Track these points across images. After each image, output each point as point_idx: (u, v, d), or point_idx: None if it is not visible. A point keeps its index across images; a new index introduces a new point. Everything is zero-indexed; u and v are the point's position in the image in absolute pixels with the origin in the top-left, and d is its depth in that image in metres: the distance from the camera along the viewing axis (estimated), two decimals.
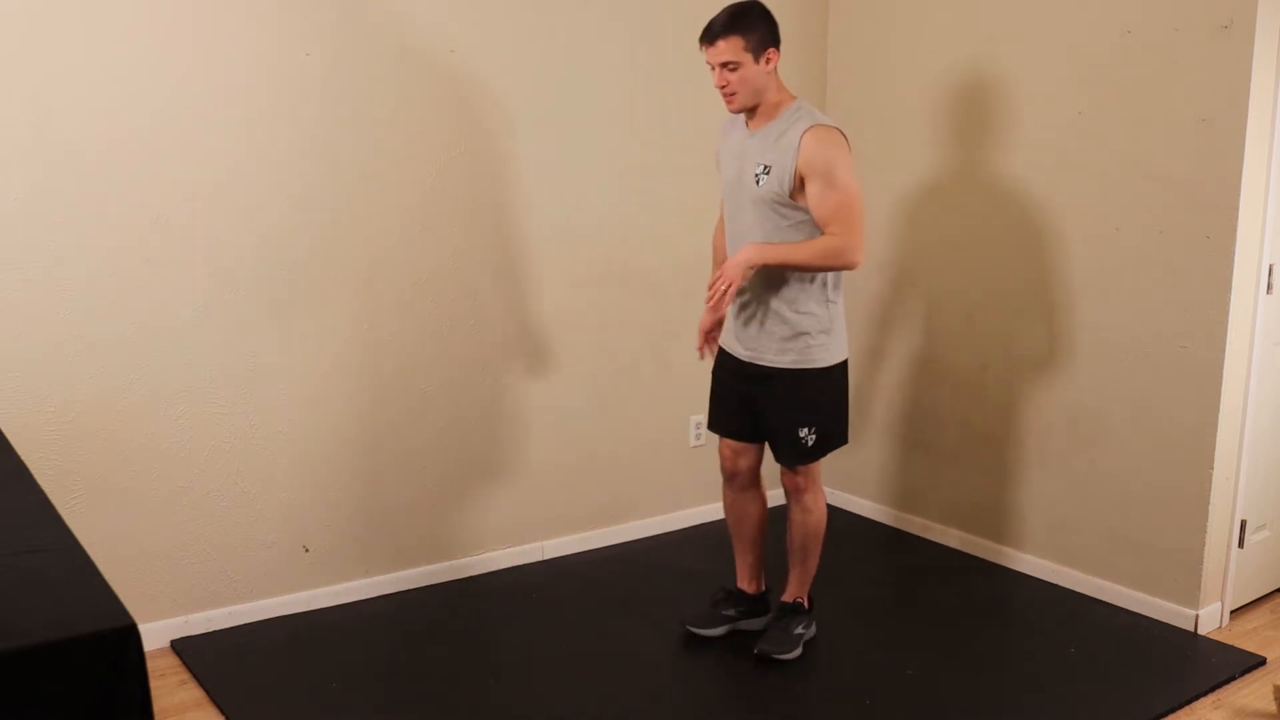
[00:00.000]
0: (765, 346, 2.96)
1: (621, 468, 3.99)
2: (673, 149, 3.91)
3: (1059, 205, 3.49)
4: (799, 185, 2.83)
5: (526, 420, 3.75)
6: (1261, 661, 3.12)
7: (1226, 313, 3.12)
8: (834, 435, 3.05)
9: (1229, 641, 3.25)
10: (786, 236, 2.87)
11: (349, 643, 3.20)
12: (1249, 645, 3.22)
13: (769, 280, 2.91)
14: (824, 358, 2.96)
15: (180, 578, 3.20)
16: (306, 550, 3.39)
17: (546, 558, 3.83)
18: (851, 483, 4.35)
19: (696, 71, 3.92)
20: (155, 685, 2.85)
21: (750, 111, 2.92)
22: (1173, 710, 2.86)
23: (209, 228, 3.09)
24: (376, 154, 3.32)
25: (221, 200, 3.10)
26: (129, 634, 1.42)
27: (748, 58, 2.80)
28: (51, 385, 2.93)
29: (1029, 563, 3.72)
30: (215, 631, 3.24)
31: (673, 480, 4.14)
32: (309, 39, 3.16)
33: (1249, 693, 2.96)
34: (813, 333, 2.93)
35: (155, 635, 3.14)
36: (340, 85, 3.23)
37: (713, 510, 4.22)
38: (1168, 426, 3.29)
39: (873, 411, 4.23)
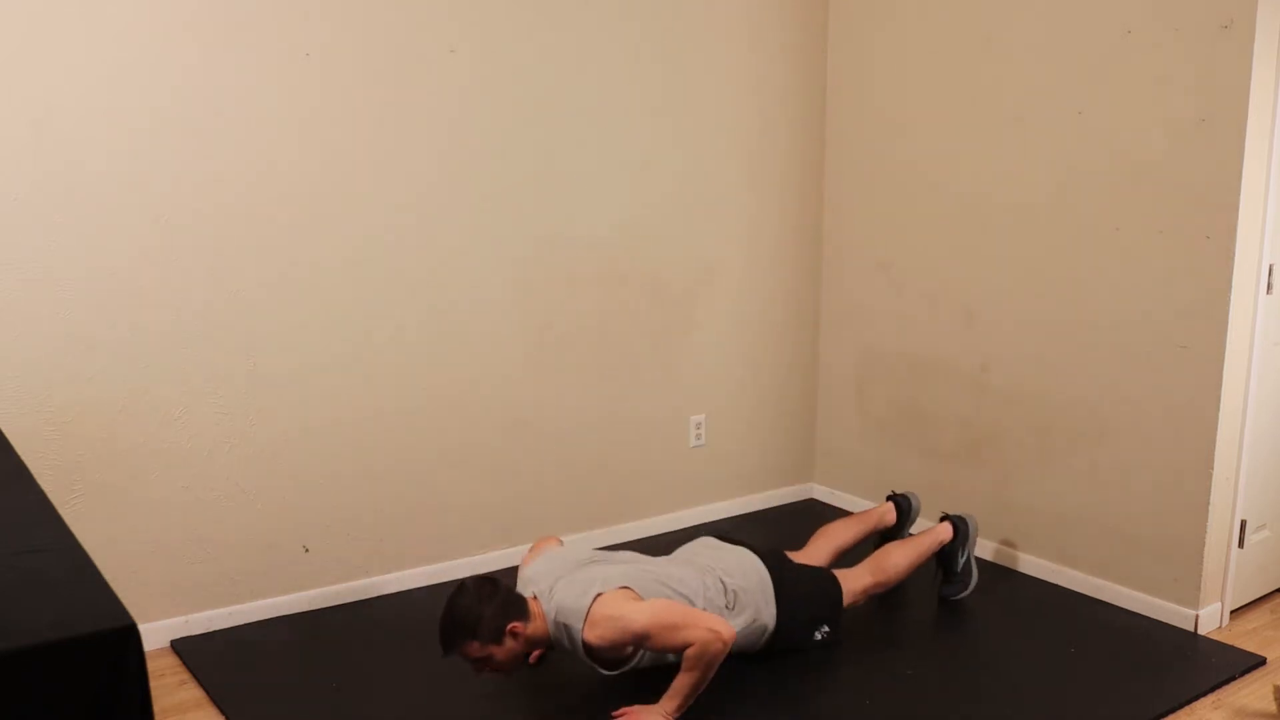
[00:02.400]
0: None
1: (621, 468, 3.99)
2: (673, 148, 3.92)
3: (1059, 205, 3.49)
4: (632, 648, 2.77)
5: (527, 420, 3.75)
6: (1261, 661, 3.12)
7: (1226, 313, 3.12)
8: (829, 608, 3.14)
9: (1229, 641, 3.25)
10: None
11: (349, 643, 3.20)
12: (1249, 645, 3.22)
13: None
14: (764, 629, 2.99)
15: (180, 578, 3.20)
16: (306, 550, 3.40)
17: None
18: (851, 482, 4.35)
19: (696, 71, 3.93)
20: (155, 685, 2.85)
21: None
22: (1173, 710, 2.86)
23: (209, 228, 3.09)
24: (376, 154, 3.33)
25: (221, 200, 3.10)
26: (129, 634, 1.42)
27: (491, 647, 2.66)
28: (51, 385, 2.93)
29: (1029, 562, 3.72)
30: (215, 631, 3.24)
31: (673, 480, 4.14)
32: (309, 39, 3.16)
33: (1249, 693, 2.96)
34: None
35: (155, 635, 3.14)
36: (340, 85, 3.23)
37: (713, 510, 4.23)
38: (1168, 426, 3.29)
39: (873, 411, 4.23)
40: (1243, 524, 3.37)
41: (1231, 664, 3.10)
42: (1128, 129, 3.29)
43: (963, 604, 3.50)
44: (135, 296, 3.02)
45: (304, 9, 3.14)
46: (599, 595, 2.71)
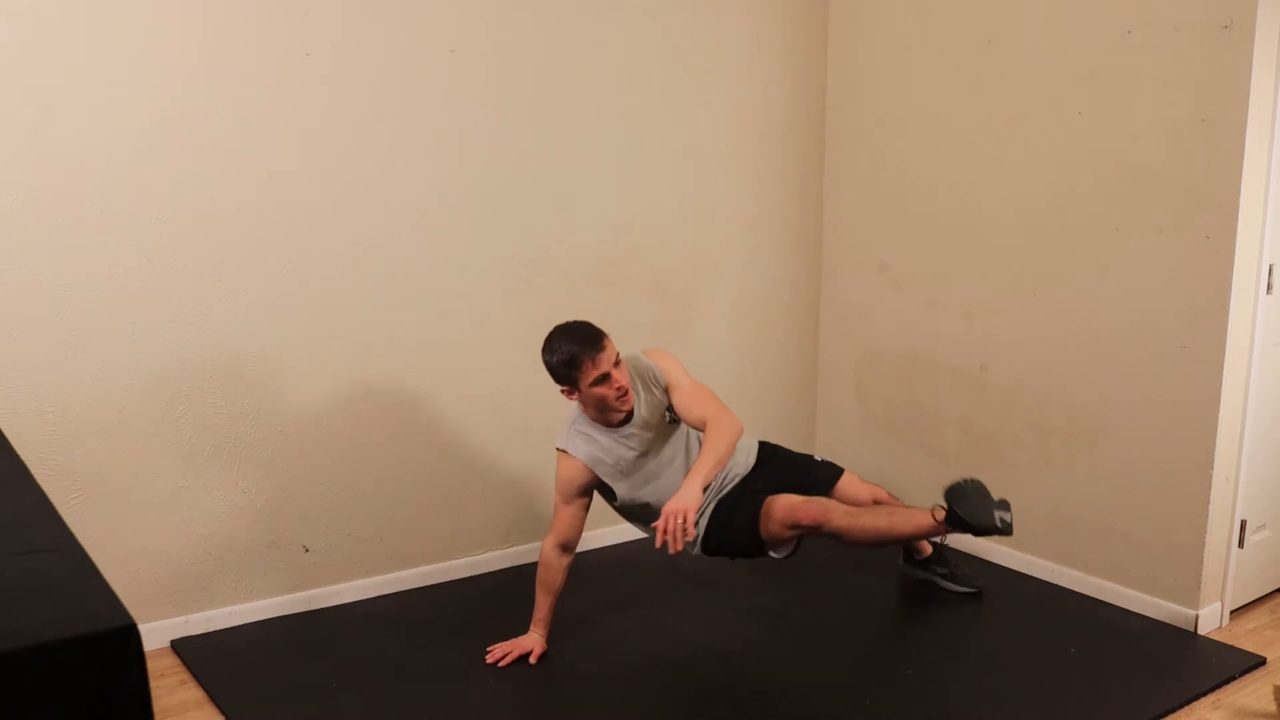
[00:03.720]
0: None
1: None
2: (673, 148, 3.92)
3: (1059, 205, 3.49)
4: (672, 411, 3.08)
5: (527, 419, 3.75)
6: (1261, 661, 3.12)
7: (1226, 313, 3.12)
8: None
9: (1229, 641, 3.25)
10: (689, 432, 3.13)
11: (349, 643, 3.21)
12: (1249, 645, 3.22)
13: (666, 456, 3.08)
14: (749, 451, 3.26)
15: (180, 578, 3.20)
16: (306, 550, 3.40)
17: None
18: None
19: (697, 71, 3.93)
20: (155, 685, 2.86)
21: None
22: (1173, 710, 2.86)
23: (209, 228, 3.09)
24: (378, 155, 3.33)
25: (222, 201, 3.10)
26: (129, 634, 1.42)
27: (618, 354, 2.94)
28: (51, 385, 2.93)
29: (1029, 562, 3.72)
30: (215, 631, 3.24)
31: None
32: (309, 39, 3.16)
33: (1249, 693, 2.96)
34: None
35: (155, 635, 3.15)
36: (340, 86, 3.23)
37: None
38: (1168, 426, 3.29)
39: (873, 411, 4.23)
40: (1243, 524, 3.37)
41: (1231, 664, 3.10)
42: (1128, 129, 3.29)
43: (963, 603, 3.50)
44: (135, 297, 3.02)
45: (304, 9, 3.14)
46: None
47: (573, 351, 2.88)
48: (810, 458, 3.39)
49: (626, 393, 2.93)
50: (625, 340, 3.91)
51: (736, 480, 3.15)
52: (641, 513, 3.12)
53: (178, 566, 3.19)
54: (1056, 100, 3.46)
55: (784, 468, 3.25)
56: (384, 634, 3.27)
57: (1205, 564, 3.27)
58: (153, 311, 3.05)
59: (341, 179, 3.28)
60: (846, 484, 3.31)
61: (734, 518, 3.06)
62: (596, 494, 3.13)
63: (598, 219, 3.79)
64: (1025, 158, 3.57)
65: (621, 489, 3.06)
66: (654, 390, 3.05)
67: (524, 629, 3.13)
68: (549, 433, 3.79)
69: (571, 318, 3.77)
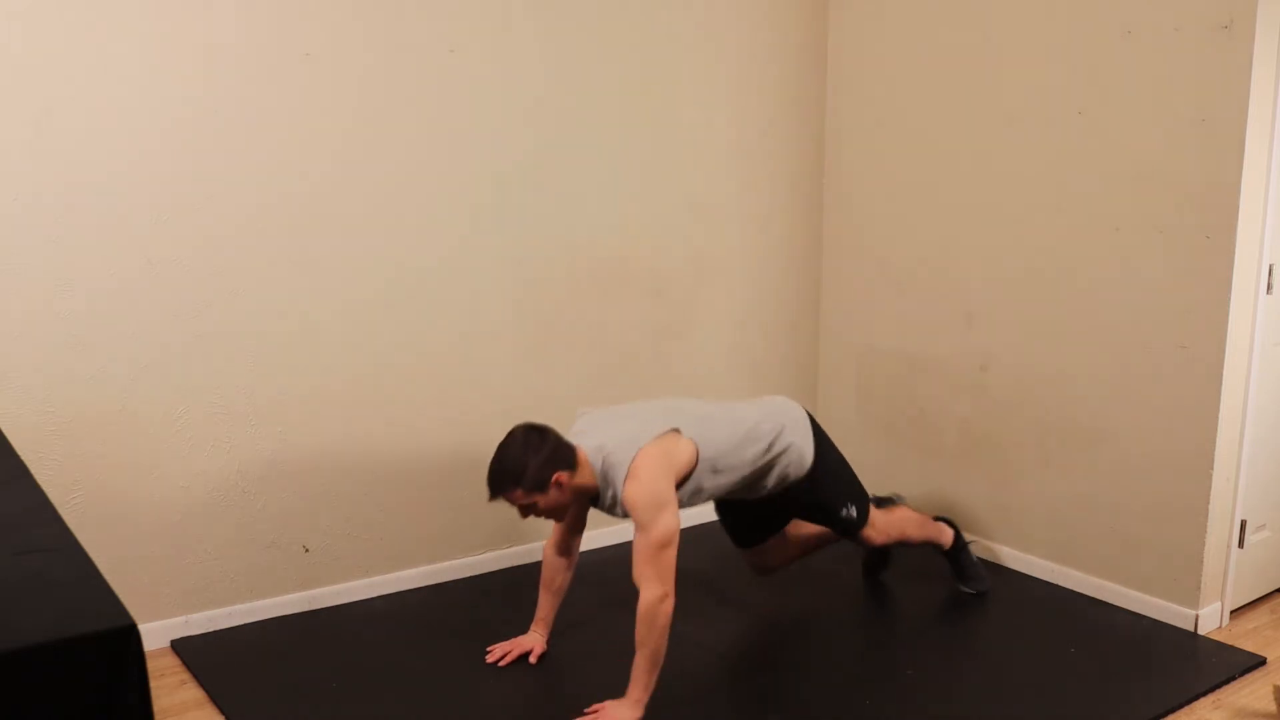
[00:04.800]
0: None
1: None
2: (673, 147, 3.92)
3: (1059, 205, 3.49)
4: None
5: (527, 419, 3.74)
6: (1261, 661, 3.12)
7: (1226, 313, 3.12)
8: (860, 497, 3.27)
9: (1229, 641, 3.25)
10: None
11: (349, 643, 3.21)
12: (1249, 645, 3.22)
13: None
14: (800, 468, 3.09)
15: (180, 578, 3.20)
16: (306, 550, 3.40)
17: None
18: None
19: (697, 70, 3.93)
20: (155, 685, 2.86)
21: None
22: (1173, 710, 2.86)
23: (210, 228, 3.09)
24: (377, 155, 3.33)
25: (223, 201, 3.10)
26: (129, 634, 1.42)
27: (535, 495, 2.76)
28: (52, 386, 2.93)
29: (1029, 563, 3.72)
30: (215, 631, 3.24)
31: None
32: (309, 39, 3.16)
33: (1249, 693, 2.96)
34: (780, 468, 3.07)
35: (155, 635, 3.15)
36: (340, 86, 3.23)
37: (712, 511, 4.22)
38: (1168, 426, 3.29)
39: (873, 412, 4.23)
40: (1243, 524, 3.37)
41: (1231, 664, 3.10)
42: (1128, 129, 3.29)
43: (963, 603, 3.50)
44: (136, 296, 3.02)
45: (304, 9, 3.14)
46: (641, 449, 2.77)
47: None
48: (840, 502, 3.23)
49: (548, 519, 2.87)
50: (626, 340, 3.93)
51: (787, 481, 3.09)
52: None
53: (178, 566, 3.19)
54: (1056, 100, 3.46)
55: (809, 506, 3.24)
56: (384, 634, 3.27)
57: (1205, 564, 3.27)
58: (152, 311, 3.05)
59: (340, 179, 3.28)
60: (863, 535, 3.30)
61: (749, 511, 3.23)
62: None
63: (598, 219, 3.79)
64: (1025, 158, 3.57)
65: None
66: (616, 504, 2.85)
67: (524, 629, 3.14)
68: None
69: (571, 318, 3.79)
